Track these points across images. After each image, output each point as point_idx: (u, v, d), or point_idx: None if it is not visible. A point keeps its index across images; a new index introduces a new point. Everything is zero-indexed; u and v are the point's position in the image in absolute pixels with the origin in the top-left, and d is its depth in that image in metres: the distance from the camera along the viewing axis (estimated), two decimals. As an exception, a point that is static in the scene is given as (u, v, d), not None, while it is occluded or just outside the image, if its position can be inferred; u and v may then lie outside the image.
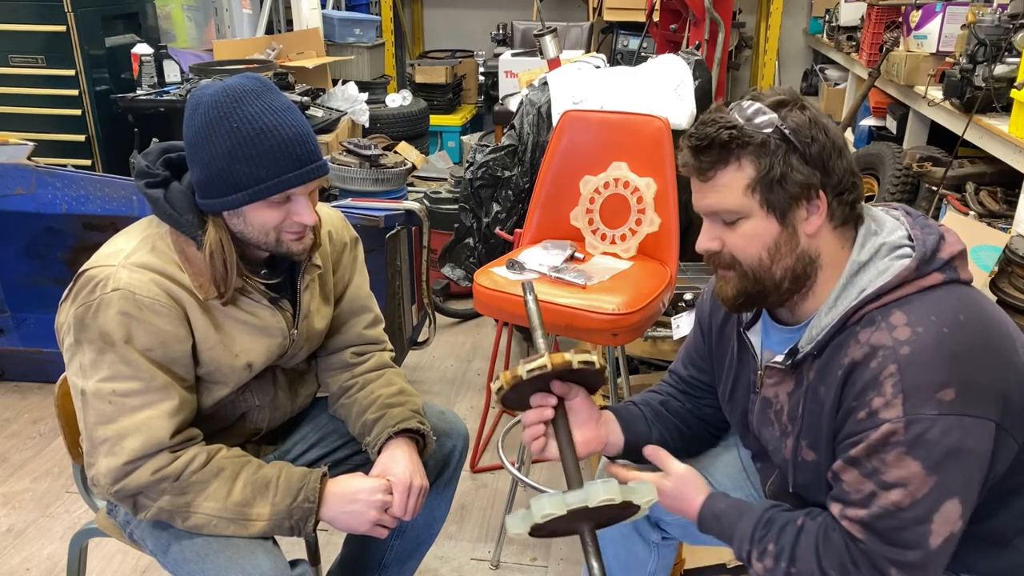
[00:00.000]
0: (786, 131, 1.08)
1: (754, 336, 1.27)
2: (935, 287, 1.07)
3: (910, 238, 1.12)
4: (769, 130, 1.08)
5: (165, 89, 3.65)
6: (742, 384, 1.31)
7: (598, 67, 2.80)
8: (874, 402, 1.04)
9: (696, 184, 1.15)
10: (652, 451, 1.31)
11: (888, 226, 1.15)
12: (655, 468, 1.31)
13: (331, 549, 1.80)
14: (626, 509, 1.16)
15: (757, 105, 1.11)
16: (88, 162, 3.63)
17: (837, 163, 1.11)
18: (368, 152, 2.92)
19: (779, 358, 1.19)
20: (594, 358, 1.19)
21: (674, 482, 1.27)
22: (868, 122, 4.20)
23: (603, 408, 1.37)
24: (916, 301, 1.06)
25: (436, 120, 5.30)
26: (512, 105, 3.56)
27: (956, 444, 1.00)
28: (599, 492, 1.09)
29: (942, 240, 1.11)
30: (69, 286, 1.30)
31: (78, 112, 3.59)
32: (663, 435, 1.40)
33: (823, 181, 1.10)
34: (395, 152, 3.24)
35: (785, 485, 1.24)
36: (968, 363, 1.02)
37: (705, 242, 1.17)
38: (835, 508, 1.11)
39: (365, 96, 4.08)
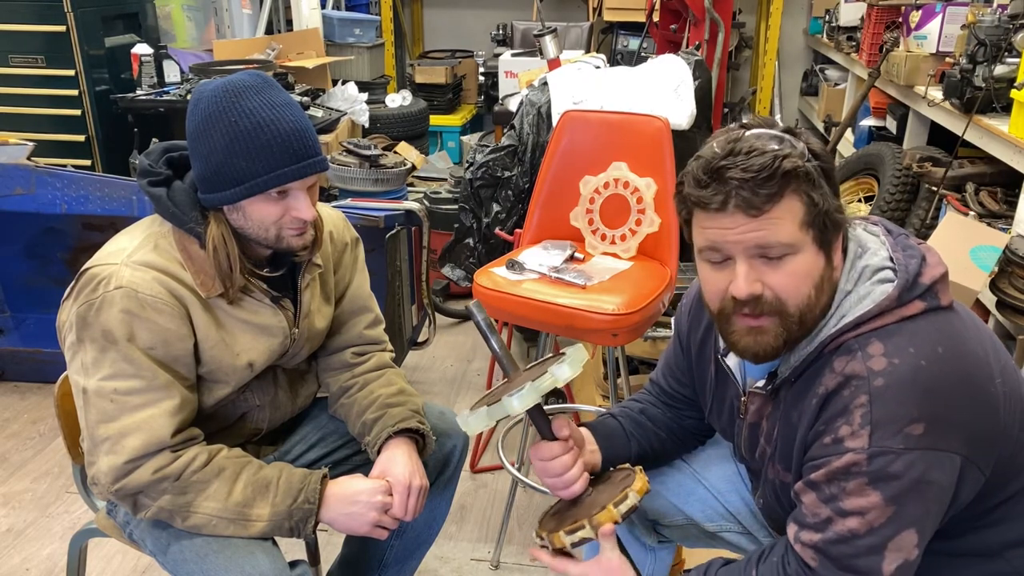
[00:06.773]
0: (813, 156, 1.04)
1: (732, 362, 1.24)
2: (916, 316, 1.04)
3: (892, 259, 1.09)
4: (807, 156, 1.03)
5: (165, 89, 3.64)
6: (726, 408, 1.30)
7: (598, 67, 2.80)
8: (841, 430, 1.02)
9: (735, 220, 1.02)
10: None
11: (871, 247, 1.11)
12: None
13: (331, 549, 1.80)
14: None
15: (774, 132, 1.04)
16: (88, 162, 3.62)
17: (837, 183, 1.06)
18: (368, 152, 2.92)
19: (760, 383, 1.18)
20: (630, 502, 1.17)
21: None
22: (868, 122, 4.19)
23: (581, 425, 1.36)
24: (896, 331, 1.03)
25: (436, 120, 5.30)
26: (512, 105, 3.55)
27: (919, 477, 0.99)
28: (565, 370, 1.13)
29: (924, 263, 1.07)
30: (71, 284, 1.30)
31: (78, 112, 3.58)
32: (642, 445, 1.39)
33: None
34: (395, 152, 3.24)
35: (773, 500, 1.23)
36: (942, 397, 1.00)
37: (748, 285, 1.04)
38: (791, 529, 1.09)
39: (365, 96, 4.07)
